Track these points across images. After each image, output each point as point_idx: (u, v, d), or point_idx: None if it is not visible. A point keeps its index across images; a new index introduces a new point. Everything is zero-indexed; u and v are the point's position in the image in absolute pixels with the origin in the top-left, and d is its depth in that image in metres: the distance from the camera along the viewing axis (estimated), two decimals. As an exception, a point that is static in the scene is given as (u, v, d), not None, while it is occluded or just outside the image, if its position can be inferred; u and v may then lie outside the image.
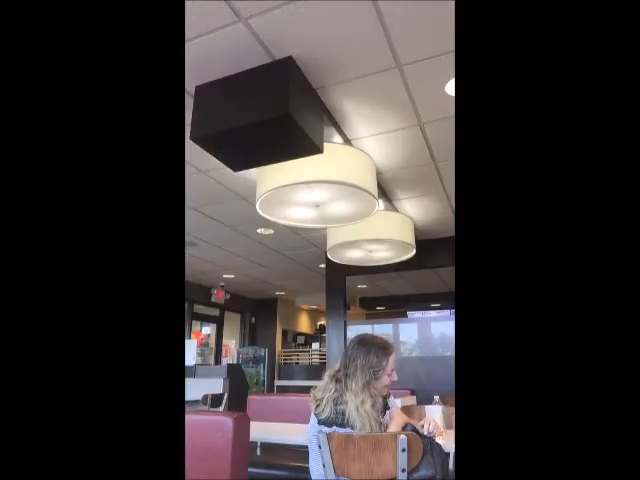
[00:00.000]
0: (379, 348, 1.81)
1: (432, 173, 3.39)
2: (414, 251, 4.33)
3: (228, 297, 8.05)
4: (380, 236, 3.87)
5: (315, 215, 3.14)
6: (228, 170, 2.62)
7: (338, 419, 1.71)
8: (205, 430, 1.96)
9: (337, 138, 2.80)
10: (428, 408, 2.61)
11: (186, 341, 6.07)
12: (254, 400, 3.73)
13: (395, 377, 1.82)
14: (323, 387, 1.81)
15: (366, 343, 1.84)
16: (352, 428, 1.67)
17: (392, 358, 1.81)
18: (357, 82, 2.30)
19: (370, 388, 1.73)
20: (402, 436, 1.63)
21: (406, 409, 2.65)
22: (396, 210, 4.12)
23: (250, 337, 9.16)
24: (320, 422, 1.74)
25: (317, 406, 1.76)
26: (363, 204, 2.96)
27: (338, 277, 5.38)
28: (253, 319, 9.26)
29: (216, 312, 8.43)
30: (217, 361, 8.11)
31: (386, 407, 1.87)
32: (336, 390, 1.76)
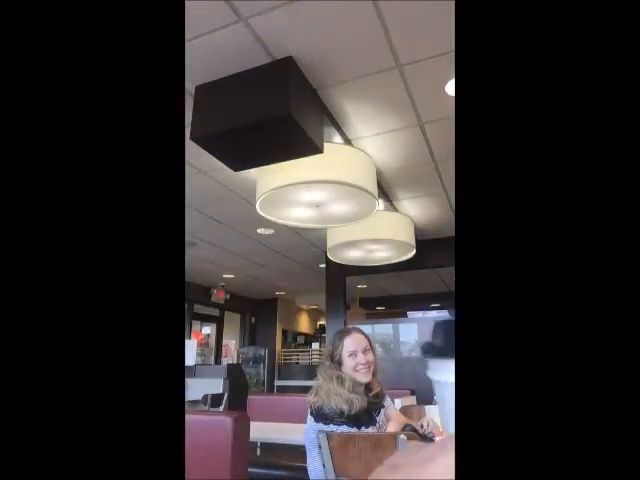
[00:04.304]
0: (336, 334, 1.97)
1: (432, 173, 3.39)
2: (414, 251, 4.33)
3: (228, 297, 8.06)
4: (380, 236, 3.87)
5: (315, 215, 3.14)
6: (228, 170, 2.62)
7: (324, 406, 1.76)
8: (205, 430, 1.96)
9: (337, 138, 2.81)
10: (428, 408, 2.61)
11: (186, 341, 6.07)
12: (254, 400, 3.73)
13: (362, 359, 1.84)
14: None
15: (334, 334, 2.01)
16: (342, 411, 1.70)
17: (348, 340, 1.88)
18: (357, 82, 2.30)
19: (334, 371, 1.84)
20: (402, 436, 1.63)
21: (406, 409, 2.65)
22: (396, 210, 4.12)
23: (250, 337, 9.16)
24: (317, 418, 1.76)
25: (314, 402, 1.79)
26: (363, 204, 2.97)
27: (338, 277, 5.38)
28: (253, 319, 9.26)
29: (216, 312, 8.43)
30: (217, 361, 8.11)
31: (380, 405, 1.89)
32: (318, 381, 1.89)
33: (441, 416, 0.38)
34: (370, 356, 1.86)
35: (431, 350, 0.38)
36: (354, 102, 2.48)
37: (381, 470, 0.30)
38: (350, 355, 1.84)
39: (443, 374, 0.36)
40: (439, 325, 0.39)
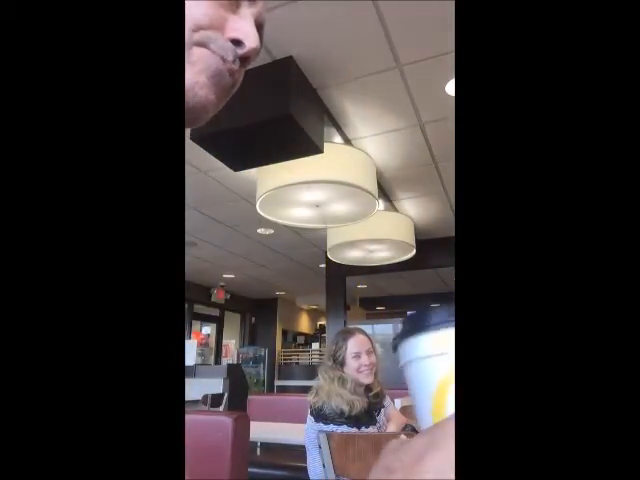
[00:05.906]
0: (339, 334, 1.94)
1: (432, 173, 3.39)
2: (414, 251, 4.33)
3: (228, 297, 8.06)
4: (380, 236, 3.87)
5: (315, 215, 3.14)
6: (228, 170, 2.62)
7: (325, 407, 1.76)
8: (205, 430, 1.96)
9: (337, 138, 2.81)
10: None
11: (186, 341, 6.07)
12: (254, 400, 3.73)
13: (365, 360, 1.83)
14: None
15: (335, 334, 1.98)
16: (342, 412, 1.70)
17: (352, 342, 1.86)
18: (357, 82, 2.30)
19: (337, 372, 1.82)
20: (402, 436, 1.63)
21: (406, 409, 2.64)
22: (396, 210, 4.12)
23: (250, 337, 9.16)
24: (317, 418, 1.76)
25: (314, 402, 1.79)
26: (363, 204, 2.97)
27: (338, 277, 5.38)
28: (253, 319, 9.26)
29: (216, 312, 8.43)
30: (217, 361, 8.11)
31: (380, 405, 1.89)
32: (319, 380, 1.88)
33: (414, 405, 0.37)
34: (373, 358, 1.86)
35: (398, 342, 0.37)
36: (354, 102, 2.48)
37: (376, 473, 0.30)
38: (354, 357, 1.83)
39: (407, 355, 0.36)
40: (407, 318, 0.39)
